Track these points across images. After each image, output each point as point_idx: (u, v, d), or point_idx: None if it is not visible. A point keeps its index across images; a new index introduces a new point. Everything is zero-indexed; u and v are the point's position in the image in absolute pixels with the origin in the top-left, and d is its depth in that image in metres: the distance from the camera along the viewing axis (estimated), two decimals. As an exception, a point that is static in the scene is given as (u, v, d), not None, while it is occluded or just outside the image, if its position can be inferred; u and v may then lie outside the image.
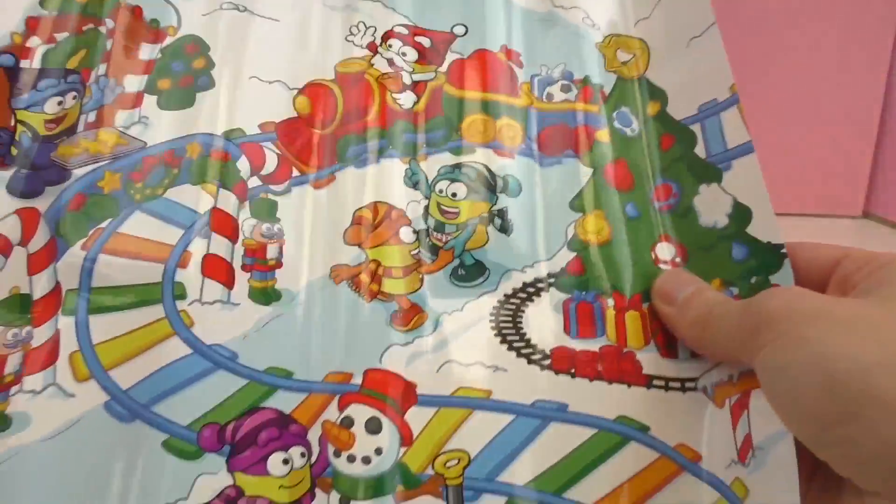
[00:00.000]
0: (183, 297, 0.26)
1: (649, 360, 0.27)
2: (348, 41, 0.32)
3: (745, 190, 0.28)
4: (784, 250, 0.27)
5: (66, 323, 0.25)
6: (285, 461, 0.24)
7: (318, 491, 0.24)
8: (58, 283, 0.26)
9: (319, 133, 0.30)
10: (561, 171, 0.30)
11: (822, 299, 0.22)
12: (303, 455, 0.25)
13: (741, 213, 0.28)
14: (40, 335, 0.25)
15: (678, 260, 0.29)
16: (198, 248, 0.27)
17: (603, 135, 0.31)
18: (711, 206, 0.29)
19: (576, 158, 0.30)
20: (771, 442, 0.25)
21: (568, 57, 0.33)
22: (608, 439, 0.25)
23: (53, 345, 0.25)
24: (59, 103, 0.29)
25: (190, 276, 0.26)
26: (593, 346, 0.27)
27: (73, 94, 0.29)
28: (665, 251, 0.29)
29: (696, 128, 0.30)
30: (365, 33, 0.32)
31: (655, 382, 0.26)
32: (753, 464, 0.24)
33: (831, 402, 0.20)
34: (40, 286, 0.26)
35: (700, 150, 0.30)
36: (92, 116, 0.29)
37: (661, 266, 0.29)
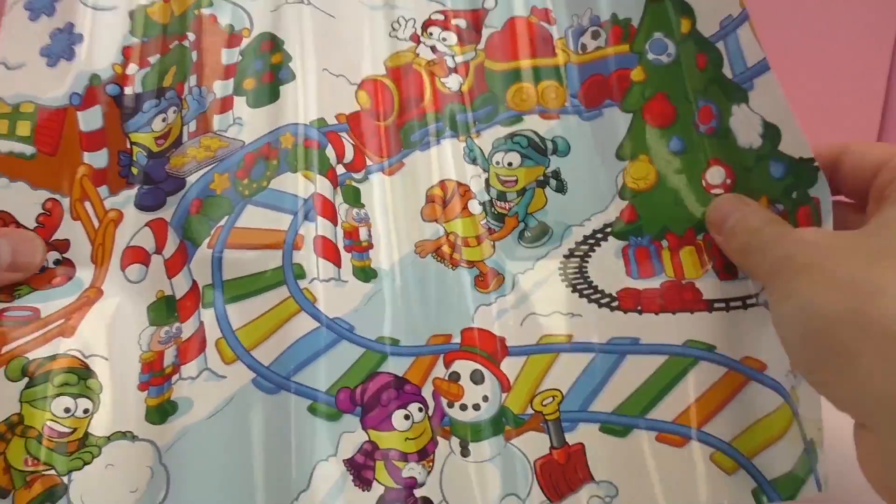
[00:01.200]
0: (303, 276, 0.29)
1: (708, 286, 0.30)
2: (392, 37, 0.35)
3: (770, 108, 0.29)
4: (816, 163, 0.28)
5: (207, 315, 0.29)
6: (406, 416, 0.29)
7: (439, 439, 0.28)
8: (194, 281, 0.30)
9: (383, 125, 0.33)
10: (603, 123, 0.33)
11: (819, 248, 0.24)
12: (420, 410, 0.29)
13: (771, 132, 0.29)
14: (188, 329, 0.29)
15: (728, 182, 0.30)
16: (308, 231, 0.30)
17: (637, 73, 0.33)
18: (745, 127, 0.30)
19: (615, 106, 0.33)
20: None
21: None
22: (679, 363, 0.29)
23: (200, 335, 0.29)
24: (164, 120, 0.32)
25: (305, 256, 0.30)
26: (654, 283, 0.31)
27: (174, 108, 0.32)
28: (715, 175, 0.31)
29: (720, 46, 0.31)
30: (406, 26, 0.35)
31: (717, 305, 0.30)
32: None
33: (809, 352, 0.22)
34: (180, 286, 0.30)
35: (727, 70, 0.30)
36: (193, 126, 0.32)
37: (714, 192, 0.31)
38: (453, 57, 0.35)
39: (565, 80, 0.34)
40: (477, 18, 0.35)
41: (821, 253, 0.23)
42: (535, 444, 0.28)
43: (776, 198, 0.29)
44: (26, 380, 0.27)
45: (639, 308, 0.30)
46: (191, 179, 0.31)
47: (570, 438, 0.28)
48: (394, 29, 0.35)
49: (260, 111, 0.32)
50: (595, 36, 0.34)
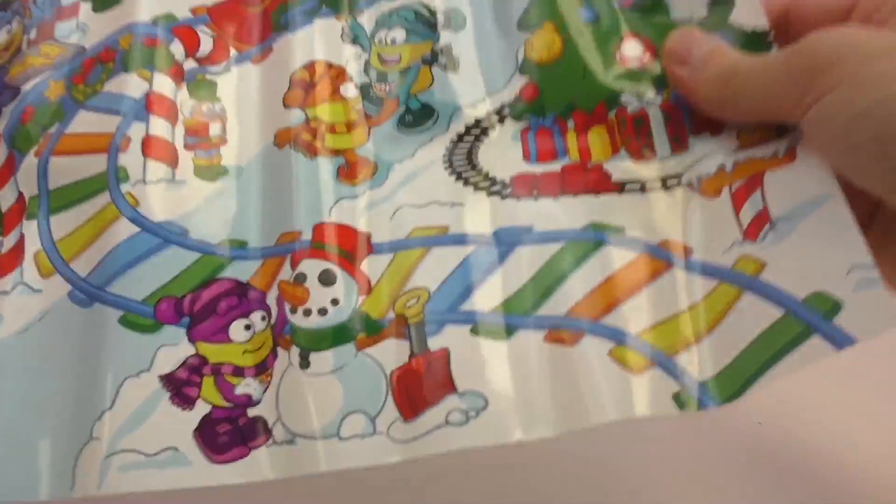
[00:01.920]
0: (126, 179, 0.26)
1: (620, 167, 0.25)
2: None
3: None
4: (771, 38, 0.24)
5: (30, 227, 0.26)
6: (247, 327, 0.24)
7: (279, 349, 0.24)
8: (20, 192, 0.27)
9: (252, 12, 0.29)
10: None
11: (880, 35, 0.19)
12: (263, 318, 0.24)
13: (722, 2, 0.25)
14: (8, 242, 0.26)
15: (646, 58, 0.26)
16: (136, 132, 0.27)
17: None
18: None
19: None
20: (801, 210, 0.21)
21: None
22: (578, 248, 0.23)
23: (19, 248, 0.26)
24: (8, 32, 0.30)
25: (131, 159, 0.26)
26: (555, 167, 0.25)
27: (18, 18, 0.30)
28: (631, 49, 0.26)
29: None
30: None
31: (629, 187, 0.24)
32: (771, 236, 0.22)
33: None
34: (6, 198, 0.27)
35: None
36: (34, 34, 0.30)
37: (629, 66, 0.26)
38: None
39: None
40: None
41: (888, 36, 0.19)
42: (394, 353, 0.23)
43: None
44: None
45: (534, 193, 0.25)
46: (26, 88, 0.28)
47: (434, 344, 0.23)
48: None
49: (104, 15, 0.30)
50: None
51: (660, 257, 0.23)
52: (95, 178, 0.26)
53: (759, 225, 0.22)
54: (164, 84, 0.28)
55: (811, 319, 0.20)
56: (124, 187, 0.26)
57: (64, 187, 0.26)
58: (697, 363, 0.21)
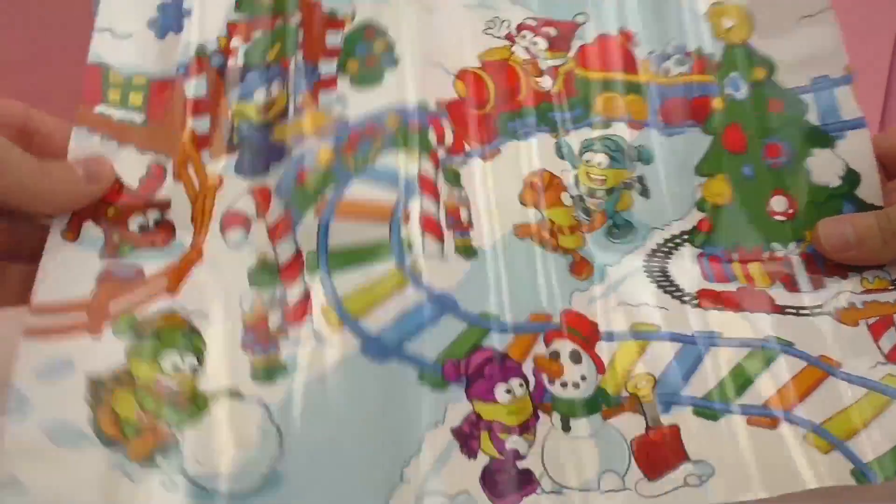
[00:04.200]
0: (410, 250, 0.30)
1: (778, 294, 0.32)
2: (487, 34, 0.36)
3: (857, 158, 0.34)
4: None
5: (313, 281, 0.29)
6: (507, 391, 0.29)
7: (540, 413, 0.29)
8: (298, 248, 0.30)
9: (478, 113, 0.35)
10: (684, 140, 0.35)
11: None
12: (521, 385, 0.29)
13: (852, 177, 0.34)
14: (292, 294, 0.29)
15: (791, 211, 0.34)
16: (414, 207, 0.31)
17: (718, 102, 0.36)
18: (825, 168, 0.34)
19: (696, 127, 0.35)
20: None
21: (679, 31, 0.37)
22: (761, 355, 0.31)
23: (306, 301, 0.29)
24: (266, 92, 0.33)
25: (412, 231, 0.31)
26: (730, 287, 0.33)
27: (277, 82, 0.33)
28: (779, 204, 0.34)
29: (808, 97, 0.35)
30: (500, 26, 0.37)
31: (788, 310, 0.32)
32: None
33: None
34: (284, 252, 0.30)
35: (813, 118, 0.35)
36: (299, 100, 0.33)
37: (776, 217, 0.34)
38: (544, 60, 0.36)
39: (648, 97, 0.36)
40: (567, 29, 0.37)
41: None
42: (631, 424, 0.29)
43: None
44: (133, 336, 0.28)
45: (719, 307, 0.32)
46: (295, 151, 0.32)
47: (665, 420, 0.29)
48: (489, 27, 0.37)
49: (363, 92, 0.33)
50: (680, 63, 0.37)
51: (820, 367, 0.31)
52: (378, 244, 0.30)
53: None
54: (428, 167, 0.32)
55: None
56: (409, 257, 0.30)
57: (345, 249, 0.30)
58: (861, 448, 0.29)
